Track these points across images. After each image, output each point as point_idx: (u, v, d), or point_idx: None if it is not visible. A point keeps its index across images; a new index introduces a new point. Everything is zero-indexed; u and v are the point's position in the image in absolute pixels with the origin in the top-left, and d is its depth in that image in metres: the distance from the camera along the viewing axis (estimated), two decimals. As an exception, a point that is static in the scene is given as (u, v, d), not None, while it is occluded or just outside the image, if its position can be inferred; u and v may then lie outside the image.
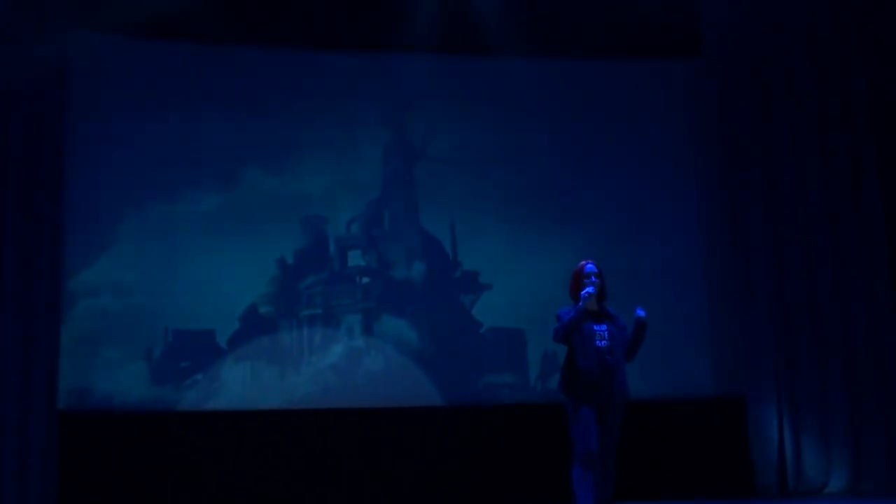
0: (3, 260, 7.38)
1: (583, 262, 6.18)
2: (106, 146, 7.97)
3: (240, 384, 8.00)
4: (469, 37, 8.46)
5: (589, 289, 6.00)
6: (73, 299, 7.70)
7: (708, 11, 8.59)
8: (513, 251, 8.48)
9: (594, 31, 8.58)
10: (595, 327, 5.97)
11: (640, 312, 5.98)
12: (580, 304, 6.00)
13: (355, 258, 8.36)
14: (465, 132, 8.57)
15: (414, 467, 8.08)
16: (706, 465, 8.27)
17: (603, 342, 5.94)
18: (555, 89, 8.70)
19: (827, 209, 8.42)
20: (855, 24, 8.50)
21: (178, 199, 8.08)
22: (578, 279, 6.11)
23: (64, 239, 7.62)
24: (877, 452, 8.16)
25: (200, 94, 8.24)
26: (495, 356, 8.31)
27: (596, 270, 6.11)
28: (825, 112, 8.48)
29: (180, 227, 8.09)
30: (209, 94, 8.27)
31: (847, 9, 8.50)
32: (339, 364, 8.20)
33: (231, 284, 8.11)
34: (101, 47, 8.03)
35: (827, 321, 8.32)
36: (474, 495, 8.11)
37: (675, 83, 8.88)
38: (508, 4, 8.45)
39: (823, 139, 8.47)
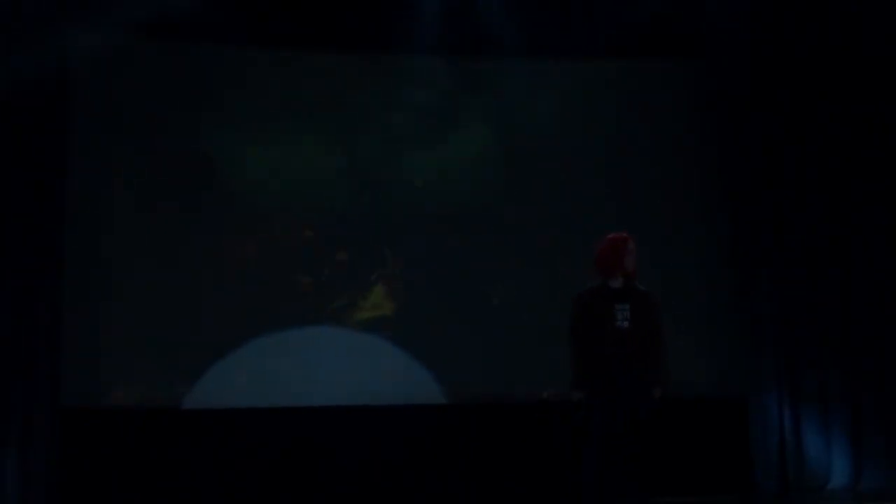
0: (4, 258, 7.38)
1: (624, 233, 5.50)
2: (108, 146, 7.97)
3: (241, 383, 7.99)
4: (468, 37, 8.46)
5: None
6: (76, 297, 7.69)
7: (710, 11, 8.60)
8: (514, 250, 8.48)
9: (594, 31, 8.59)
10: (616, 305, 5.25)
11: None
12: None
13: (354, 255, 8.35)
14: (466, 131, 8.57)
15: (414, 467, 8.08)
16: (706, 464, 8.28)
17: (625, 322, 5.20)
18: (554, 90, 8.70)
19: (829, 209, 8.44)
20: (856, 24, 8.51)
21: (181, 200, 8.08)
22: (617, 251, 5.41)
23: (65, 237, 7.62)
24: (877, 452, 8.18)
25: (204, 96, 8.25)
26: (498, 355, 8.30)
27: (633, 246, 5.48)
28: (827, 111, 8.50)
29: (182, 227, 8.08)
30: (211, 95, 8.27)
31: (849, 9, 8.51)
32: (339, 363, 8.20)
33: (232, 283, 8.10)
34: (104, 48, 8.03)
35: (827, 321, 8.33)
36: (476, 495, 8.12)
37: (676, 83, 8.89)
38: (508, 4, 8.46)
39: (826, 139, 8.48)
